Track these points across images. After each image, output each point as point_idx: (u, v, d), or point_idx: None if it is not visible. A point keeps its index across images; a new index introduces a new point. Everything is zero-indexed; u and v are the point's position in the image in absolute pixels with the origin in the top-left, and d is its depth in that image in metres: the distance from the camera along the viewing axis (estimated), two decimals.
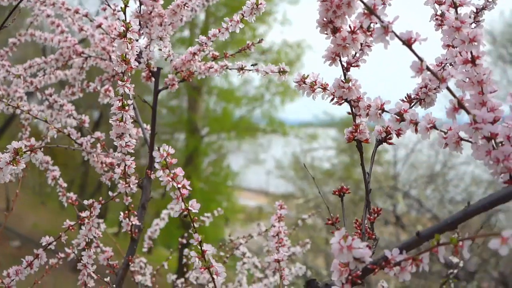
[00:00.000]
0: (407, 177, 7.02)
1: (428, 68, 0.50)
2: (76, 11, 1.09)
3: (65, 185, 1.10)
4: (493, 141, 0.52)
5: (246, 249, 1.33)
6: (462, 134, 0.55)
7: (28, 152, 0.67)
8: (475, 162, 7.65)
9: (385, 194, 5.95)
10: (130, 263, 0.98)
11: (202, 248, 0.64)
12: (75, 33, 1.19)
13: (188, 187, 0.62)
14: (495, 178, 0.51)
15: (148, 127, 1.11)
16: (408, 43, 0.50)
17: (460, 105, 0.51)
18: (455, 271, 1.10)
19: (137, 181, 0.90)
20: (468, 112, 0.51)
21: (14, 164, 0.67)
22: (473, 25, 0.71)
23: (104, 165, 1.01)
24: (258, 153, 12.50)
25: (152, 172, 0.95)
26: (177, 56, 0.96)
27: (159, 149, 0.61)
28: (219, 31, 0.90)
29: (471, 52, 0.53)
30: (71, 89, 1.19)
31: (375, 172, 8.65)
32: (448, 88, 0.51)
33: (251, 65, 0.99)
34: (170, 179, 0.61)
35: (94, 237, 0.95)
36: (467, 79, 0.54)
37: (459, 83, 0.56)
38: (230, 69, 0.97)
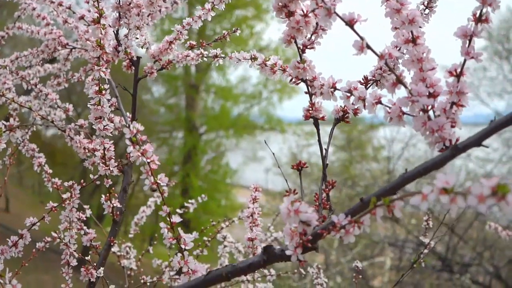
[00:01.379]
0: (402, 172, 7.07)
1: (368, 46, 0.54)
2: (60, 4, 1.14)
3: (50, 171, 1.14)
4: (431, 113, 0.56)
5: (229, 234, 1.38)
6: (405, 109, 0.59)
7: (7, 132, 0.71)
8: (469, 157, 7.69)
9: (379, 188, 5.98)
10: (112, 244, 1.03)
11: (171, 220, 0.69)
12: (60, 25, 1.23)
13: (157, 162, 0.67)
14: (431, 148, 0.56)
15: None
16: (350, 23, 0.55)
17: (398, 80, 0.55)
18: (426, 251, 1.14)
19: (116, 164, 0.94)
20: (405, 87, 0.55)
21: None
22: (427, 10, 0.76)
23: (86, 151, 1.05)
24: (256, 150, 12.55)
25: None
26: (153, 44, 1.01)
27: (129, 126, 0.65)
28: (193, 19, 0.95)
29: (412, 32, 0.58)
30: (57, 80, 1.23)
31: (371, 169, 8.71)
32: (386, 65, 0.55)
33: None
34: (140, 154, 0.66)
35: (78, 218, 0.99)
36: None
37: (403, 62, 0.60)
38: (205, 57, 1.01)
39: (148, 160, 0.66)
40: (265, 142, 0.85)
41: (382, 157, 8.78)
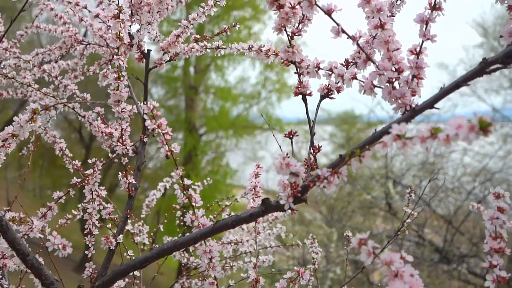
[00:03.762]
0: (399, 167, 7.21)
1: (343, 31, 0.67)
2: (77, 4, 1.27)
3: (71, 154, 1.27)
4: (396, 83, 0.69)
5: (233, 212, 1.51)
6: (375, 82, 0.72)
7: (43, 111, 0.84)
8: (466, 152, 7.81)
9: (377, 182, 6.12)
10: (128, 216, 1.15)
11: (184, 182, 0.82)
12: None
13: (170, 133, 0.80)
14: (395, 112, 0.68)
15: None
16: (328, 12, 0.68)
17: (368, 58, 0.68)
18: (409, 220, 1.27)
19: (132, 144, 1.07)
20: (374, 63, 0.68)
21: (32, 122, 0.84)
22: (398, 1, 0.89)
23: (104, 134, 1.18)
24: (256, 150, 12.66)
25: (146, 137, 1.12)
26: (163, 38, 1.13)
27: (146, 103, 0.78)
28: (198, 15, 1.08)
29: (380, 19, 0.70)
30: (74, 73, 1.36)
31: (370, 167, 8.83)
32: (358, 45, 0.68)
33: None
34: (156, 127, 0.79)
35: (97, 193, 1.12)
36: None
37: (374, 44, 0.73)
38: (208, 49, 1.14)
39: (163, 132, 0.79)
40: (274, 137, 0.96)
41: (381, 155, 8.90)
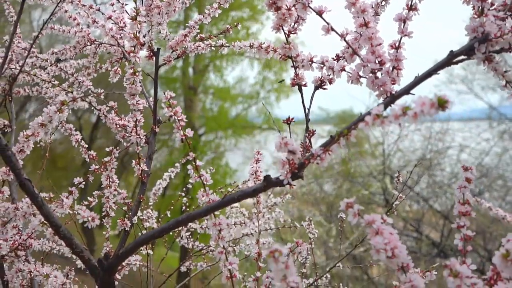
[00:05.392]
0: (397, 163, 7.33)
1: (332, 29, 0.78)
2: (90, 6, 1.38)
3: (86, 145, 1.38)
4: (378, 74, 0.80)
5: None
6: (361, 73, 0.83)
7: (72, 102, 0.95)
8: (463, 148, 7.92)
9: (374, 178, 6.25)
10: (141, 200, 1.26)
11: (196, 163, 0.93)
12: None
13: (185, 120, 0.91)
14: (378, 99, 0.80)
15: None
16: (320, 13, 0.79)
17: (354, 52, 0.79)
18: (397, 202, 1.38)
19: (145, 134, 1.19)
20: (359, 56, 0.79)
21: (60, 112, 0.95)
22: (383, 2, 1.00)
23: (117, 126, 1.29)
24: (255, 150, 12.74)
25: (157, 127, 1.24)
26: (172, 37, 1.25)
27: (164, 93, 0.89)
28: (204, 16, 1.19)
29: (364, 19, 0.82)
30: (87, 70, 1.47)
31: (369, 164, 8.95)
32: (345, 41, 0.79)
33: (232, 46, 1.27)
34: (173, 114, 0.90)
35: (112, 181, 1.23)
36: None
37: (360, 40, 0.84)
38: (213, 47, 1.26)
39: (178, 118, 0.91)
40: (281, 132, 1.07)
41: (379, 153, 9.04)
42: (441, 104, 0.56)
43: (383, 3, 0.99)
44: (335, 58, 0.95)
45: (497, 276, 0.67)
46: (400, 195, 1.39)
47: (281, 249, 0.61)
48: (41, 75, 1.53)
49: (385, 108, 0.73)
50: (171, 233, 1.71)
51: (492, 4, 0.74)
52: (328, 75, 0.92)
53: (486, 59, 0.73)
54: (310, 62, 0.89)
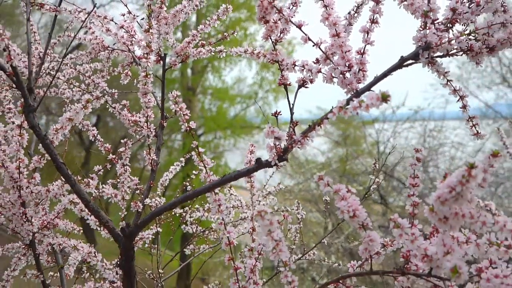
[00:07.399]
0: (392, 160, 7.53)
1: (309, 39, 0.98)
2: (105, 17, 1.57)
3: (102, 139, 1.56)
4: (347, 74, 0.99)
5: (233, 188, 1.82)
6: (333, 74, 1.02)
7: (95, 99, 1.14)
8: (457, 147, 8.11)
9: (367, 174, 6.43)
10: (151, 186, 1.45)
11: (199, 150, 1.12)
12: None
13: (189, 114, 1.10)
14: (346, 94, 0.99)
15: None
16: (299, 26, 0.98)
17: (326, 57, 0.99)
18: (374, 186, 1.57)
19: (155, 127, 1.38)
20: (331, 61, 0.99)
21: (85, 108, 1.14)
22: (355, 14, 1.19)
23: (130, 122, 1.48)
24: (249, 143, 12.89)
25: (164, 122, 1.43)
26: (177, 44, 1.44)
27: (171, 92, 1.08)
28: (205, 26, 1.39)
29: (335, 30, 1.01)
30: (101, 73, 1.66)
31: (366, 162, 9.14)
32: (320, 48, 0.98)
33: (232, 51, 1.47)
34: (178, 109, 1.09)
35: (124, 171, 1.42)
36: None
37: (333, 48, 1.03)
38: (213, 52, 1.45)
39: (184, 113, 1.10)
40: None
41: (376, 152, 9.23)
42: (384, 98, 0.75)
43: (355, 14, 1.19)
44: (315, 61, 1.15)
45: (436, 231, 0.85)
46: (377, 180, 1.58)
47: (267, 209, 0.80)
48: (58, 77, 1.72)
49: (348, 102, 0.93)
50: (177, 216, 1.90)
51: (435, 20, 0.93)
52: (308, 76, 1.11)
53: (429, 63, 0.92)
54: (293, 65, 1.08)
